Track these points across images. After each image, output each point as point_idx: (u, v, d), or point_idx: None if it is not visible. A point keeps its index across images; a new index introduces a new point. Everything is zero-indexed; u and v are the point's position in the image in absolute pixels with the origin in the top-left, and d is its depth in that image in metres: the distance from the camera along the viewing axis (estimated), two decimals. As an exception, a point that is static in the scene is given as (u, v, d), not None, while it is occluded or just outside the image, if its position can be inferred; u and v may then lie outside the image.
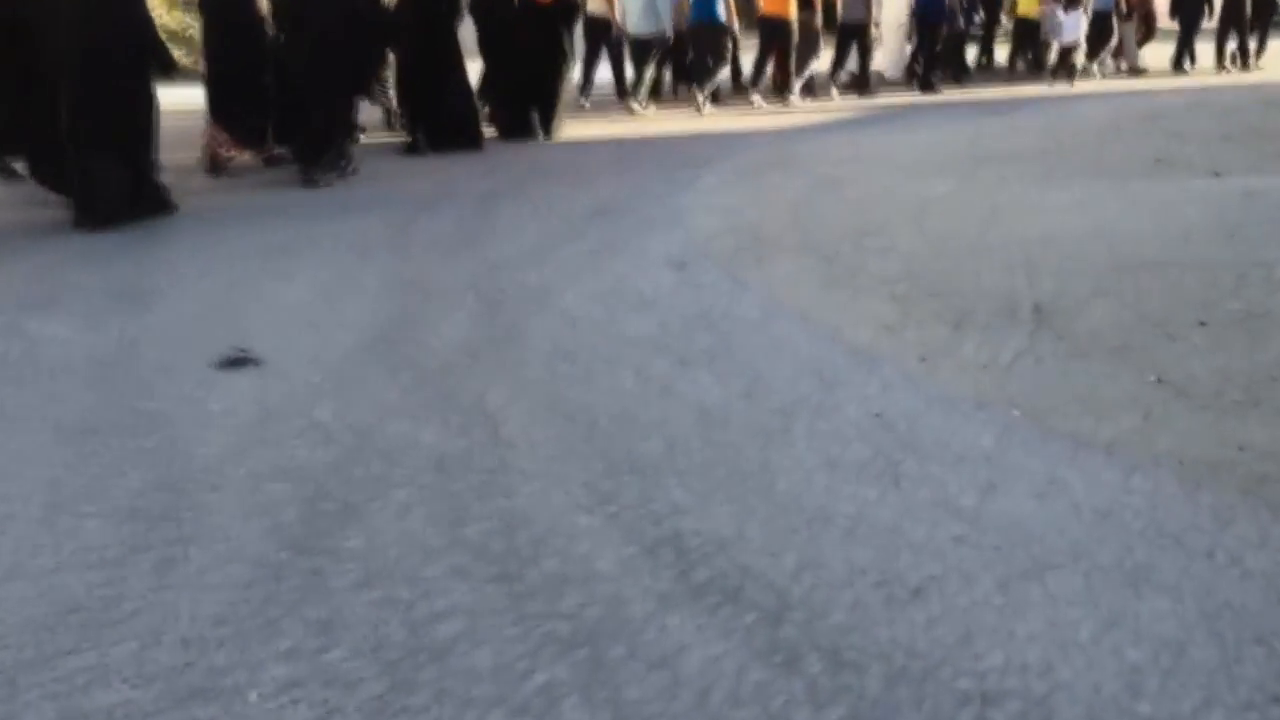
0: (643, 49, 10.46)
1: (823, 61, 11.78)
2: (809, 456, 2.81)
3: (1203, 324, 3.76)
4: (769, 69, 11.39)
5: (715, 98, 10.83)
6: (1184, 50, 14.17)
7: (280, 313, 4.15)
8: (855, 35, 11.77)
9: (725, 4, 10.34)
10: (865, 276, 4.58)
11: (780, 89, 11.36)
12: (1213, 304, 3.96)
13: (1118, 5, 13.36)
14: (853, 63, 12.09)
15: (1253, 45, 14.18)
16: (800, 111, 10.71)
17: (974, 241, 5.04)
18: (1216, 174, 6.35)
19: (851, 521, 2.46)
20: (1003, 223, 5.34)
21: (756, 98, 11.05)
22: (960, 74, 13.52)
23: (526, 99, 8.64)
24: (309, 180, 6.67)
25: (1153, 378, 3.30)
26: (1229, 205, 5.39)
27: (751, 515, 2.49)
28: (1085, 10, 12.93)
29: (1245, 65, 14.01)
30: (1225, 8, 13.86)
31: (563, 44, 8.64)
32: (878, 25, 11.97)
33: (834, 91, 11.89)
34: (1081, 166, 6.92)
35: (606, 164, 7.68)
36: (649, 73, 10.55)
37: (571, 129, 9.09)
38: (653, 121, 10.05)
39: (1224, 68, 14.01)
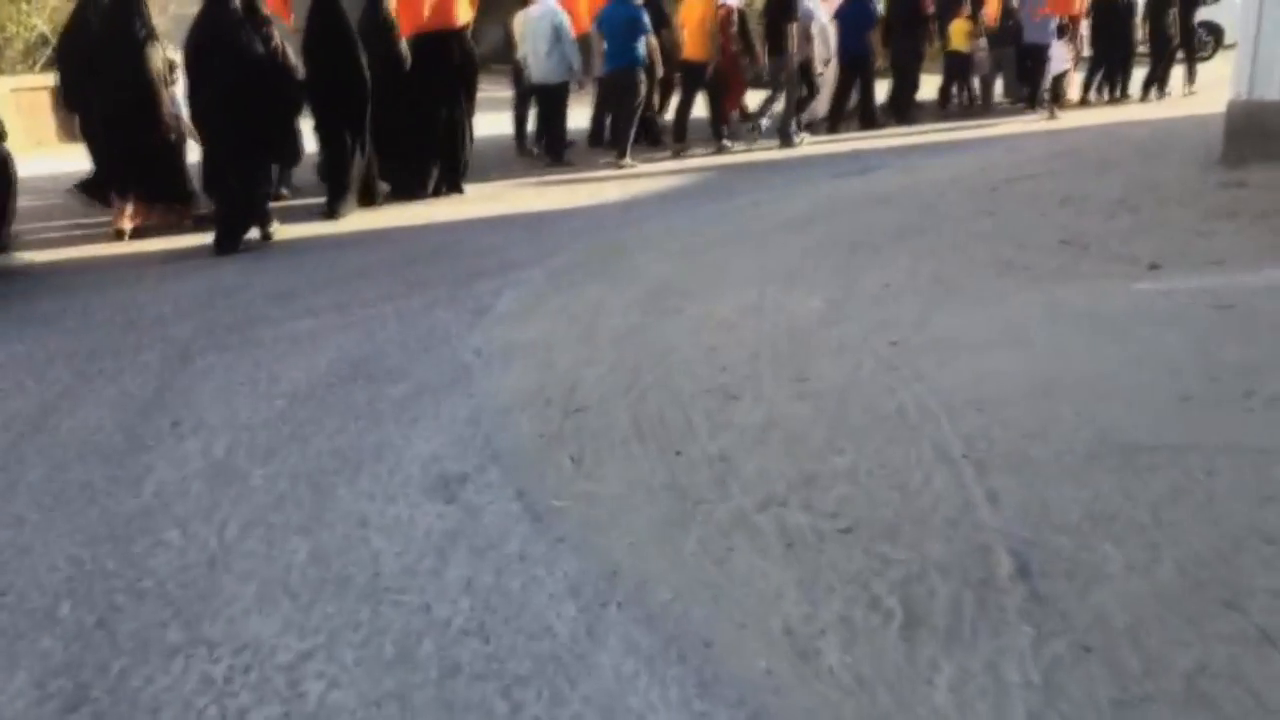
0: (548, 96, 9.75)
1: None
2: None
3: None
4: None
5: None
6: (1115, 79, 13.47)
7: None
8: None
9: (646, 43, 9.43)
10: (740, 492, 2.96)
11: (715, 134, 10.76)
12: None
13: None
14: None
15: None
16: (649, 175, 9.10)
17: (882, 409, 3.49)
18: (1153, 266, 5.00)
19: None
20: (911, 369, 3.82)
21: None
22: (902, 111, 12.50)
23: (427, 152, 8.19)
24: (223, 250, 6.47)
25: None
26: (1206, 329, 4.00)
27: None
28: (1073, 40, 12.52)
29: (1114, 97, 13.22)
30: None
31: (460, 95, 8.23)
32: (825, 63, 11.41)
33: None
34: (976, 257, 5.51)
35: (389, 272, 5.90)
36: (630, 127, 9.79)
37: (373, 213, 7.27)
38: (466, 202, 8.25)
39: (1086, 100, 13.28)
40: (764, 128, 11.07)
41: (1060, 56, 12.46)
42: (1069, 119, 12.09)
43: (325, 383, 4.07)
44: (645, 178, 9.04)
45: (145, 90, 6.69)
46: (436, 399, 3.88)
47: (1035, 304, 4.53)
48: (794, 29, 10.28)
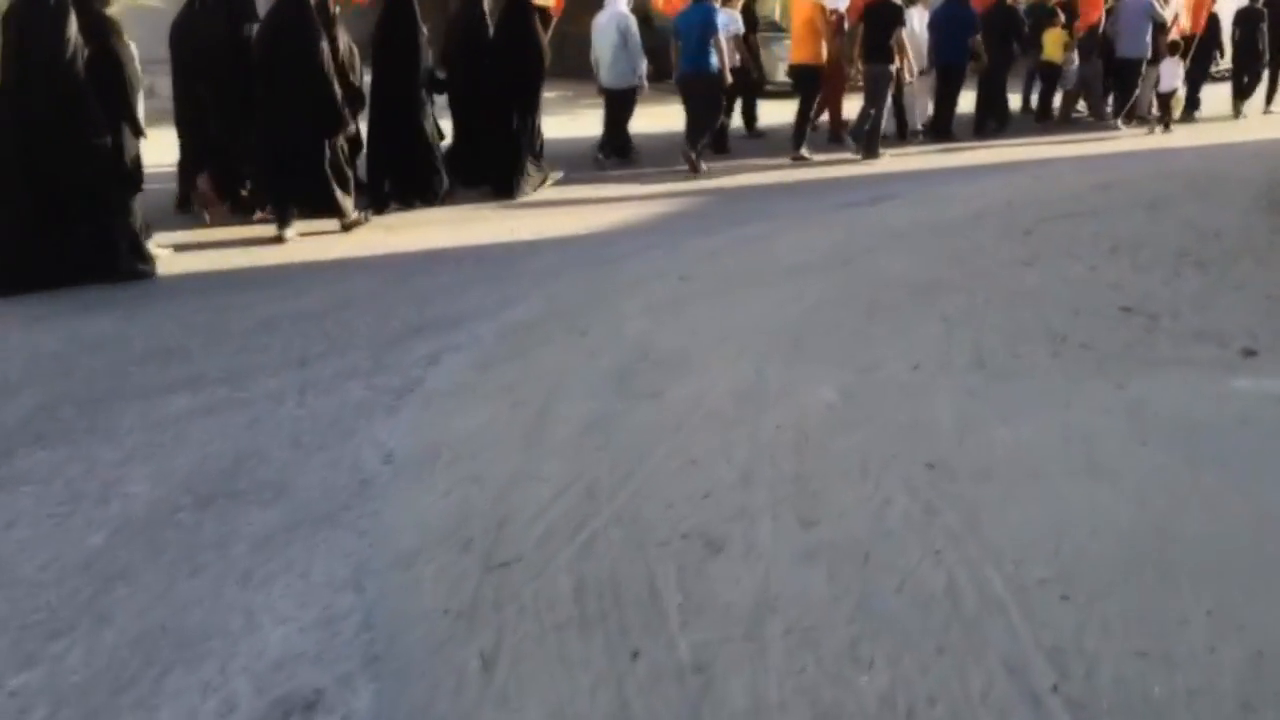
0: (617, 103, 9.46)
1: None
2: None
3: None
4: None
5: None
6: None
7: None
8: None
9: (718, 51, 8.90)
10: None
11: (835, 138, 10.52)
12: None
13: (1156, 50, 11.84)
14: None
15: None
16: (640, 199, 8.03)
17: (925, 586, 2.49)
18: (1248, 353, 3.97)
19: None
20: (959, 512, 2.83)
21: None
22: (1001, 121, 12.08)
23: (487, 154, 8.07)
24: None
25: None
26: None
27: None
28: (1184, 59, 12.11)
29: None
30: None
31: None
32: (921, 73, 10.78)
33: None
34: (1021, 326, 4.49)
35: (307, 323, 4.89)
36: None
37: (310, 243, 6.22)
38: (431, 224, 7.18)
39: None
40: (853, 142, 10.27)
41: (1170, 73, 11.96)
42: (1098, 145, 11.08)
43: (172, 504, 3.03)
44: (636, 202, 7.98)
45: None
46: (313, 540, 2.84)
47: (1110, 406, 3.50)
48: (900, 36, 9.73)
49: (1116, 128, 12.12)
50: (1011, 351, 4.17)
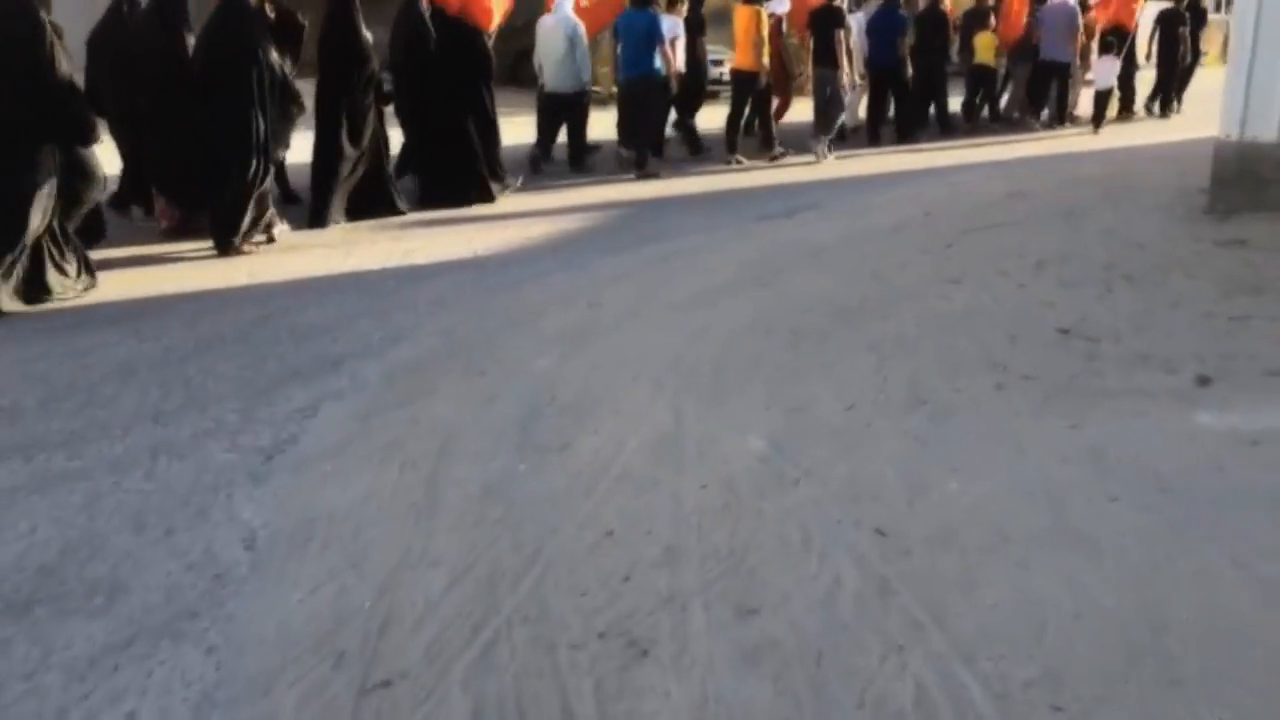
0: (563, 107, 9.30)
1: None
2: None
3: None
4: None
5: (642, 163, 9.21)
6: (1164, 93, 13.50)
7: None
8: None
9: (662, 53, 9.00)
10: None
11: (764, 144, 10.39)
12: None
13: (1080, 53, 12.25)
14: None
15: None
16: (543, 213, 7.52)
17: (890, 698, 2.12)
18: (1202, 380, 3.69)
19: None
20: (919, 593, 2.49)
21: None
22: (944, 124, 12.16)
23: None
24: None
25: None
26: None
27: None
28: (1118, 57, 12.34)
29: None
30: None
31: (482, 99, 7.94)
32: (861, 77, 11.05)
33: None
34: (957, 355, 4.18)
35: (166, 369, 4.33)
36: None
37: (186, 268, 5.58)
38: (314, 247, 6.58)
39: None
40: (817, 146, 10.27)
41: (1106, 72, 12.25)
42: (1007, 148, 10.99)
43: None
44: (543, 217, 7.50)
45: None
46: (148, 662, 2.31)
47: (1068, 453, 3.16)
48: (844, 38, 9.97)
49: (1034, 129, 12.31)
50: (951, 385, 3.83)
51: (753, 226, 7.09)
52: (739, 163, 9.82)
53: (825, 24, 10.01)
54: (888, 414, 3.57)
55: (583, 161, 9.51)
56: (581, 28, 9.13)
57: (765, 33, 9.66)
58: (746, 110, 10.32)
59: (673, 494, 3.05)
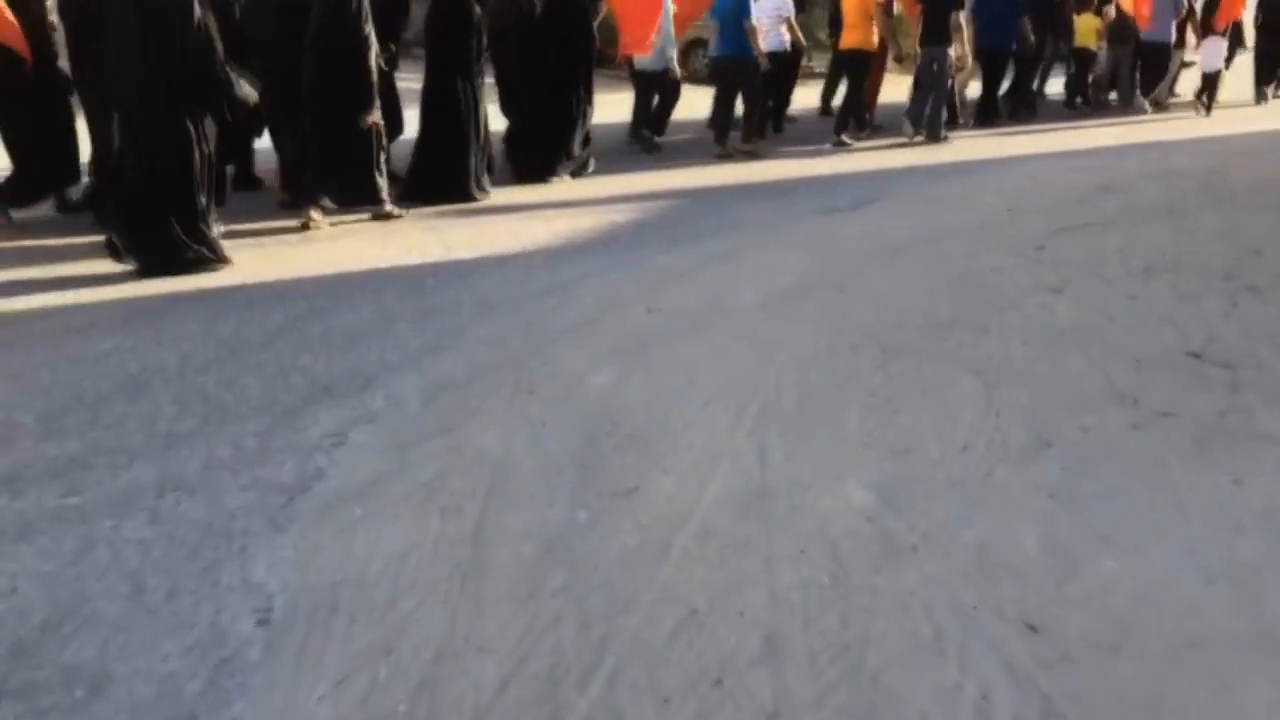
0: (647, 85, 9.21)
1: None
2: None
3: None
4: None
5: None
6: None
7: None
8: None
9: (751, 35, 8.74)
10: None
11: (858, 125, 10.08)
12: None
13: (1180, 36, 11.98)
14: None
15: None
16: (591, 204, 7.02)
17: None
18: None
19: None
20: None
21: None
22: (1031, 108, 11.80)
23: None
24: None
25: None
26: None
27: None
28: (1225, 38, 12.02)
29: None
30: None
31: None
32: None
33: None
34: (1076, 381, 3.66)
35: (183, 383, 3.91)
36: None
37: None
38: (351, 235, 6.12)
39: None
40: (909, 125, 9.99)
41: (1214, 53, 11.86)
42: (1087, 135, 10.34)
43: None
44: (591, 207, 7.01)
45: None
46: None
47: (1241, 518, 2.64)
48: (960, 18, 9.58)
49: (1144, 111, 11.99)
50: (1077, 422, 3.29)
51: (821, 220, 6.55)
52: (846, 145, 9.64)
53: (940, 2, 9.50)
54: (1009, 458, 3.04)
55: (650, 140, 9.34)
56: (670, 5, 8.94)
57: (877, 11, 9.41)
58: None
59: (765, 561, 2.55)
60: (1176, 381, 3.61)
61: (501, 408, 3.65)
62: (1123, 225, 6.08)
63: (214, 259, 5.18)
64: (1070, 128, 11.21)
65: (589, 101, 7.92)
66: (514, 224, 6.44)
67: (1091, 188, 7.21)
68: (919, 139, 9.72)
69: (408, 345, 4.25)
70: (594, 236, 6.16)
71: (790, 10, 9.54)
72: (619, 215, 6.69)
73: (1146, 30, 11.50)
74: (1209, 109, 11.69)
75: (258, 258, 5.54)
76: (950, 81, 9.81)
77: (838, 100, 10.38)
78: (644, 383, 3.84)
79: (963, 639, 2.19)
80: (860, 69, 9.83)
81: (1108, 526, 2.61)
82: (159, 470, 3.13)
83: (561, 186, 7.57)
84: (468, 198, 6.91)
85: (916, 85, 9.91)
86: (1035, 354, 3.94)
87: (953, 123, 10.28)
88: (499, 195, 7.17)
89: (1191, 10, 11.78)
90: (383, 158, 6.18)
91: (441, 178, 6.87)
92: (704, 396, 3.65)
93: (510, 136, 7.91)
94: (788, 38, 9.55)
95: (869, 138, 9.85)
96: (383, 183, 6.19)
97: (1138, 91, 12.27)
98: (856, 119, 9.94)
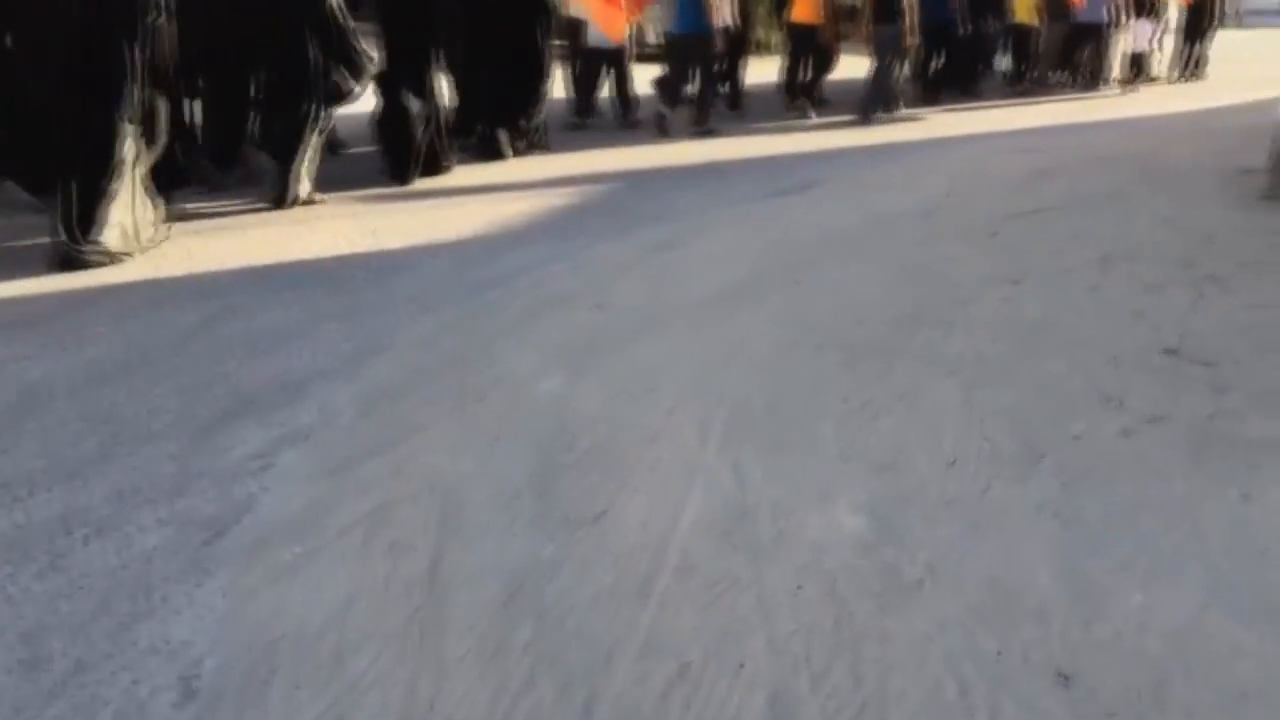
0: (607, 60, 9.21)
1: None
2: None
3: None
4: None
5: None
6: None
7: None
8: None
9: (709, 9, 8.75)
10: None
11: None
12: None
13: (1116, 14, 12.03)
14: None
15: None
16: (530, 187, 6.67)
17: None
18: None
19: None
20: None
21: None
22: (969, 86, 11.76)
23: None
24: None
25: None
26: None
27: None
28: (1157, 18, 12.43)
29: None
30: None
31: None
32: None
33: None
34: (1053, 381, 3.47)
35: (85, 396, 3.52)
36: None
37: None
38: (281, 224, 5.68)
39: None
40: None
41: (1142, 33, 12.24)
42: (1017, 113, 10.29)
43: None
44: (525, 190, 6.67)
45: None
46: None
47: (1263, 540, 2.45)
48: None
49: (1079, 89, 12.25)
50: (1066, 429, 3.11)
51: (767, 204, 6.32)
52: (806, 115, 9.81)
53: None
54: (1002, 473, 2.84)
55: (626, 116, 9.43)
56: None
57: None
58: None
59: (759, 600, 2.29)
60: (1158, 382, 3.45)
61: (445, 420, 3.34)
62: (1071, 211, 5.97)
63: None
64: (1008, 104, 11.23)
65: (547, 75, 7.83)
66: (446, 210, 6.08)
67: (1030, 171, 7.12)
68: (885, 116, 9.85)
69: (338, 348, 3.89)
70: (531, 223, 5.83)
71: None
72: (557, 199, 6.37)
73: (1080, 9, 11.58)
74: (1134, 86, 12.00)
75: (165, 248, 5.10)
76: (898, 63, 9.81)
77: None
78: (598, 389, 3.55)
79: (990, 695, 1.96)
80: (805, 42, 10.01)
81: (1122, 554, 2.41)
82: (62, 504, 2.75)
83: (495, 168, 7.21)
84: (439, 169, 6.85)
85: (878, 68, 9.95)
86: (1007, 351, 3.76)
87: (893, 106, 10.13)
88: (426, 179, 6.78)
89: None
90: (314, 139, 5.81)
91: (410, 151, 6.62)
92: (666, 405, 3.38)
93: (460, 110, 7.70)
94: (729, 14, 9.48)
95: (818, 115, 9.87)
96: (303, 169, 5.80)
97: (1109, 73, 12.43)
98: (886, 99, 9.88)
